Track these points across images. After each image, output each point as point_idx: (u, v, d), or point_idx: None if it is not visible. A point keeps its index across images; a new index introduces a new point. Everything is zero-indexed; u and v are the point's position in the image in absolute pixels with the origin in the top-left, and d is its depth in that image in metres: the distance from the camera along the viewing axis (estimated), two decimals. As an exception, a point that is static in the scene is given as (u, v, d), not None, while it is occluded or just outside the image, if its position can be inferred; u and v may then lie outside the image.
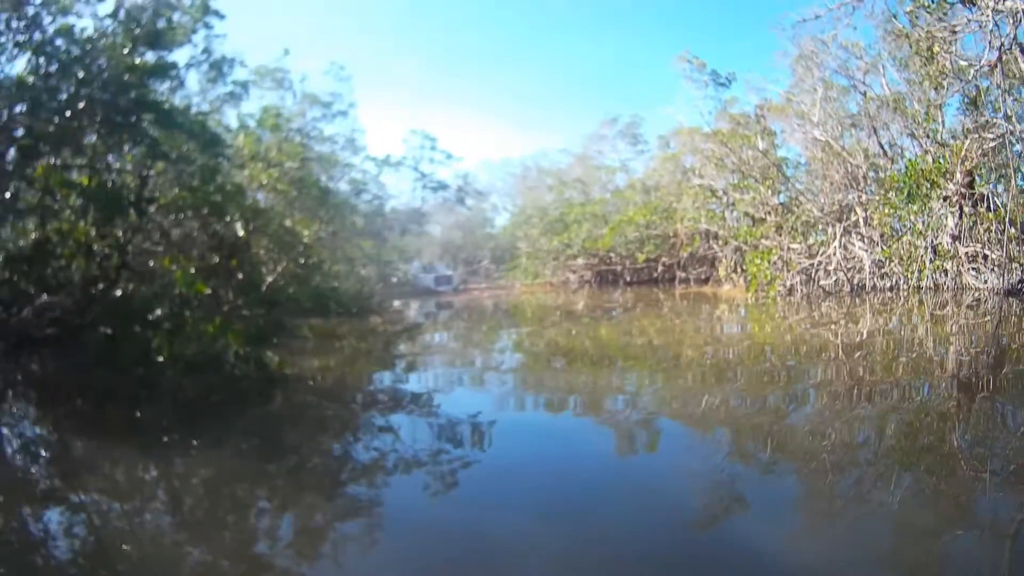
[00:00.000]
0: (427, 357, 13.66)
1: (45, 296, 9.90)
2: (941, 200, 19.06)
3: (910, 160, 20.70)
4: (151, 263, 14.68)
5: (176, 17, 14.74)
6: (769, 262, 21.58)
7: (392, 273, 39.85)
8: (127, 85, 12.00)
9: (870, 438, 6.43)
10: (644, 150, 42.01)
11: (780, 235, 22.98)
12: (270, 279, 21.99)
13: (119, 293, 10.42)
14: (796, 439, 6.46)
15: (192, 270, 10.61)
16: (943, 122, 20.91)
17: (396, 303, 30.71)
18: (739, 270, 25.76)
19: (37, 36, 12.00)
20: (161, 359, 9.09)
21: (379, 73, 70.63)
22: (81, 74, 11.76)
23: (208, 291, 10.41)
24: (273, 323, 11.92)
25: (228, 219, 16.92)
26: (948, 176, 18.92)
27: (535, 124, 76.22)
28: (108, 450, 6.74)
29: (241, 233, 17.79)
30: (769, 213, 25.05)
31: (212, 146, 15.01)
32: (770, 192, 25.13)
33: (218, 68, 17.43)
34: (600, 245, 34.86)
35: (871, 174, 22.63)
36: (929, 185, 19.16)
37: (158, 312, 10.00)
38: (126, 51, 12.74)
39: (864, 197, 22.18)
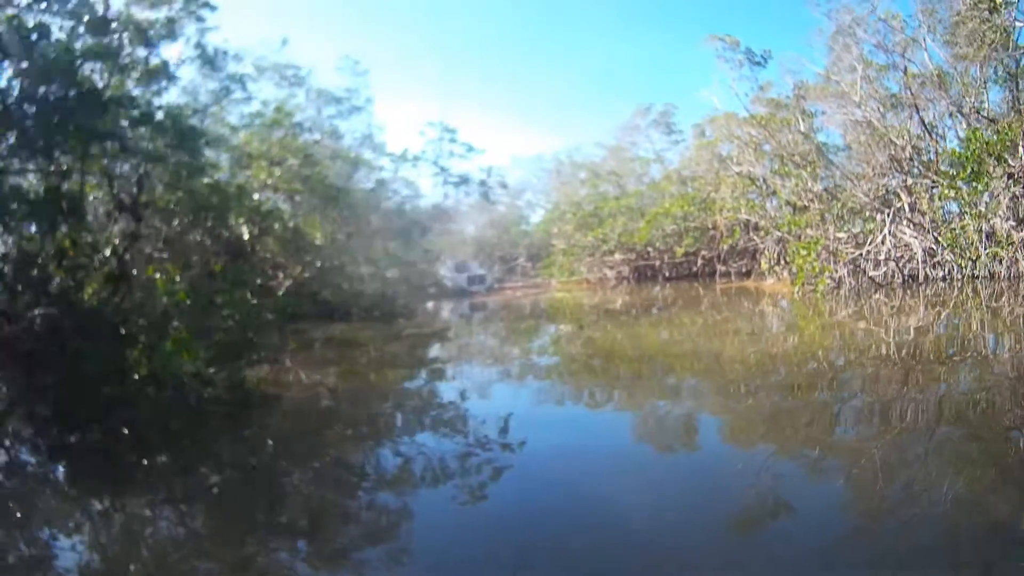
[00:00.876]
0: (442, 371, 12.94)
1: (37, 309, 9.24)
2: (1005, 178, 17.74)
3: (972, 130, 19.30)
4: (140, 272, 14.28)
5: (164, 12, 14.12)
6: (815, 253, 20.37)
7: (421, 274, 39.30)
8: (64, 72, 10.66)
9: (932, 460, 5.55)
10: (679, 140, 40.72)
11: (824, 224, 21.79)
12: (288, 283, 21.61)
13: (95, 303, 9.66)
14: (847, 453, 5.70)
15: (177, 277, 9.63)
16: (987, 98, 19.71)
17: (428, 305, 30.20)
18: (782, 262, 24.57)
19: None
20: (138, 376, 8.22)
21: (404, 72, 69.85)
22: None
23: (189, 300, 9.38)
24: (264, 332, 10.97)
25: (232, 222, 16.40)
26: (1012, 151, 17.66)
27: (568, 120, 74.71)
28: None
29: (247, 236, 17.24)
30: (812, 201, 23.81)
31: (188, 141, 14.00)
32: (811, 178, 23.87)
33: (210, 62, 16.61)
34: (636, 239, 33.84)
35: (915, 156, 21.37)
36: (995, 161, 17.82)
37: (141, 323, 9.09)
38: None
39: (910, 181, 20.92)
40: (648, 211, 33.90)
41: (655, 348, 13.52)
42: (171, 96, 15.57)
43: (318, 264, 21.50)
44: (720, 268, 31.93)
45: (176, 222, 16.09)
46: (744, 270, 30.87)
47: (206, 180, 16.27)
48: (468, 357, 14.82)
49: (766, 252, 26.20)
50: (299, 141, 21.18)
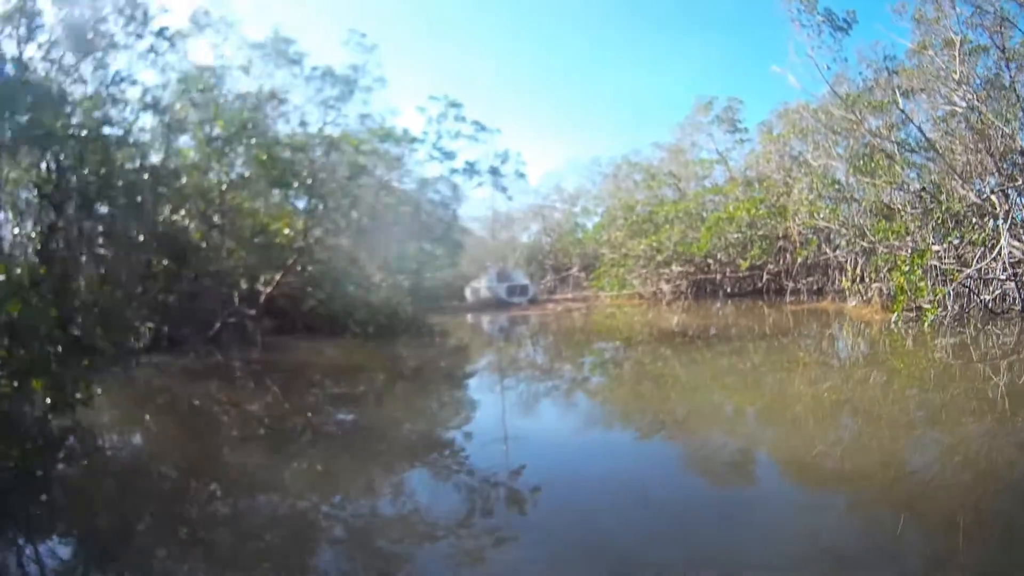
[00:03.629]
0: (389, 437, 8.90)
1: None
2: None
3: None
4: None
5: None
6: (921, 269, 15.94)
7: (446, 284, 36.13)
8: None
9: None
10: (744, 139, 36.40)
11: (923, 233, 17.50)
12: (269, 290, 18.55)
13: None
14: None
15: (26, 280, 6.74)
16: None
17: (454, 318, 27.12)
18: (865, 280, 20.19)
19: None
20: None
21: (451, 75, 66.75)
22: None
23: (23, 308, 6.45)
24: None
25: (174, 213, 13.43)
26: None
27: (627, 122, 70.10)
28: None
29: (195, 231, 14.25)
30: (904, 205, 19.49)
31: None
32: (906, 176, 19.54)
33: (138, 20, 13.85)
34: (695, 249, 29.71)
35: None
36: None
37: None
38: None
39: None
40: (709, 217, 29.84)
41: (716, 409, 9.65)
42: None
43: (301, 269, 18.45)
44: (788, 284, 27.63)
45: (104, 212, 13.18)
46: (815, 287, 26.47)
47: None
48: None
49: (847, 267, 21.60)
50: (246, 113, 17.74)
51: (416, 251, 23.84)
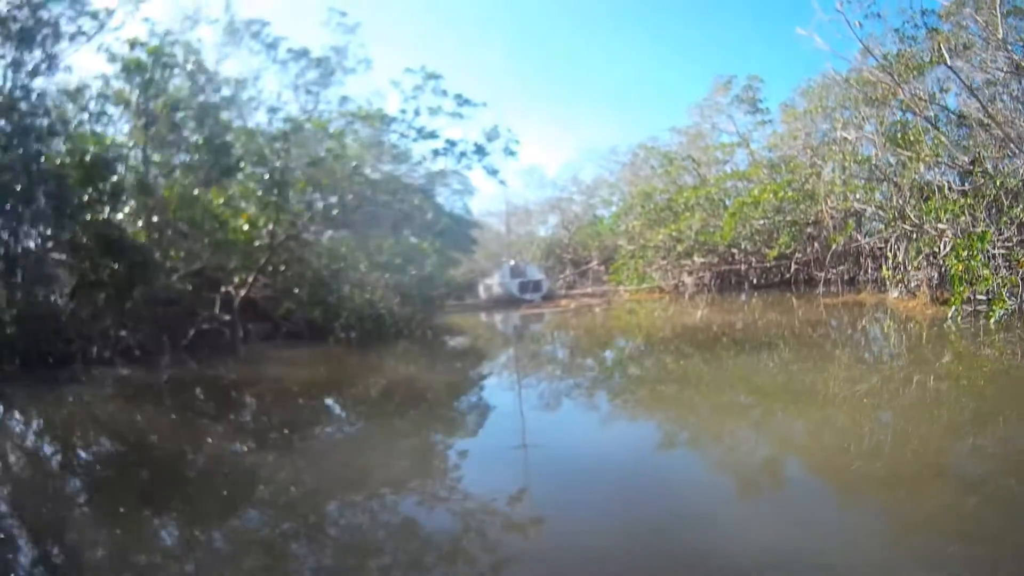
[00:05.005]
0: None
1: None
2: None
3: None
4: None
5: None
6: (983, 256, 13.57)
7: (462, 280, 34.37)
8: None
9: None
10: (766, 120, 34.04)
11: (976, 212, 15.25)
12: (244, 293, 16.86)
13: None
14: None
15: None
16: None
17: (462, 317, 25.36)
18: (906, 268, 17.88)
19: None
20: None
21: (460, 68, 64.68)
22: None
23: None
24: None
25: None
26: None
27: (645, 112, 67.24)
28: None
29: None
30: (951, 182, 17.29)
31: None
32: (954, 148, 17.30)
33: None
34: (718, 238, 27.57)
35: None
36: None
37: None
38: None
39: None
40: (733, 202, 27.68)
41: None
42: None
43: (273, 268, 16.75)
44: (818, 274, 25.36)
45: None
46: (846, 277, 24.21)
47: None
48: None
49: (888, 254, 19.16)
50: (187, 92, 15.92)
51: (421, 247, 22.07)
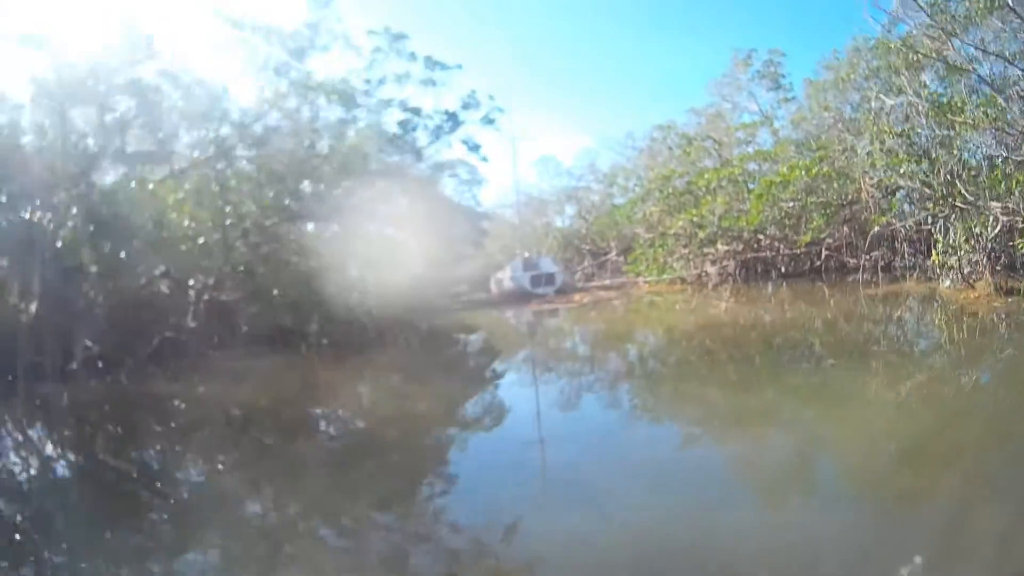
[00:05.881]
0: None
1: None
2: None
3: None
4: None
5: None
6: None
7: (473, 275, 32.61)
8: None
9: None
10: (790, 96, 31.74)
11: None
12: (207, 297, 15.08)
13: None
14: None
15: None
16: None
17: (464, 315, 23.65)
18: (960, 253, 15.53)
19: None
20: None
21: (474, 55, 62.22)
22: None
23: None
24: None
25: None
26: None
27: (662, 96, 64.39)
28: None
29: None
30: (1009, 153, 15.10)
31: None
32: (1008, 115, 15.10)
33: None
34: (744, 222, 25.37)
35: None
36: None
37: None
38: None
39: None
40: (759, 182, 25.49)
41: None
42: None
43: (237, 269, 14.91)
44: (851, 261, 23.12)
45: None
46: (881, 263, 21.80)
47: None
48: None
49: (937, 236, 16.67)
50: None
51: (422, 243, 19.98)
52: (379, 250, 17.31)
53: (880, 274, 20.77)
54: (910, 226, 19.83)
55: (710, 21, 58.88)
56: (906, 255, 20.37)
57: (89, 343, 13.38)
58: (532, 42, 65.07)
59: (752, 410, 7.83)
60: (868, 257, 21.74)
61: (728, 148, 31.80)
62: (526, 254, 36.16)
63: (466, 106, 18.53)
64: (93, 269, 13.25)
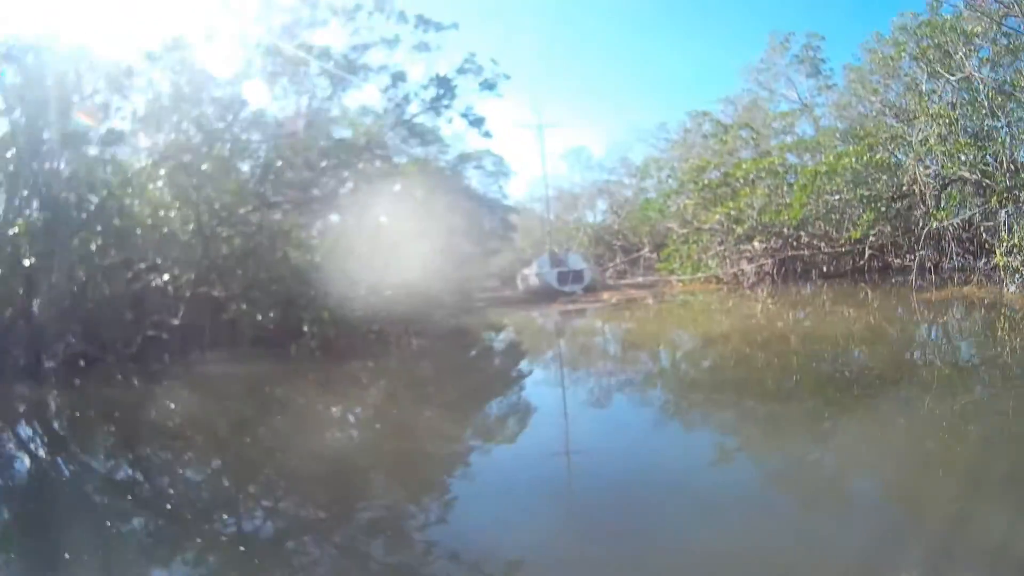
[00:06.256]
0: None
1: None
2: None
3: None
4: None
5: None
6: None
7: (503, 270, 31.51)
8: None
9: None
10: (830, 83, 29.87)
11: None
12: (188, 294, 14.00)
13: None
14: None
15: None
16: None
17: (487, 313, 22.82)
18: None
19: None
20: None
21: (504, 47, 60.68)
22: None
23: None
24: None
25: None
26: None
27: (695, 86, 62.00)
28: None
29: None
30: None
31: None
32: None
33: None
34: (786, 216, 23.68)
35: None
36: None
37: None
38: None
39: None
40: (803, 172, 23.76)
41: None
42: None
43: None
44: (895, 261, 21.38)
45: None
46: (929, 264, 19.32)
47: None
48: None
49: (1003, 235, 14.69)
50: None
51: (441, 237, 18.63)
52: (387, 244, 15.93)
53: (927, 276, 18.88)
54: (958, 224, 18.10)
55: (744, 8, 56.84)
56: (954, 255, 18.64)
57: (73, 340, 12.86)
58: (563, 34, 63.78)
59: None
60: (913, 257, 19.95)
61: (765, 139, 30.08)
62: (555, 250, 34.78)
63: (462, 71, 16.59)
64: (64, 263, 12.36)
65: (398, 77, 16.28)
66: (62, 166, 13.14)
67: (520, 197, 45.78)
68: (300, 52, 15.82)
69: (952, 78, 16.95)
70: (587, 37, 65.30)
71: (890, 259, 22.01)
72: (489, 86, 16.81)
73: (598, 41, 65.30)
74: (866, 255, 22.60)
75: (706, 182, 27.30)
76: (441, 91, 16.37)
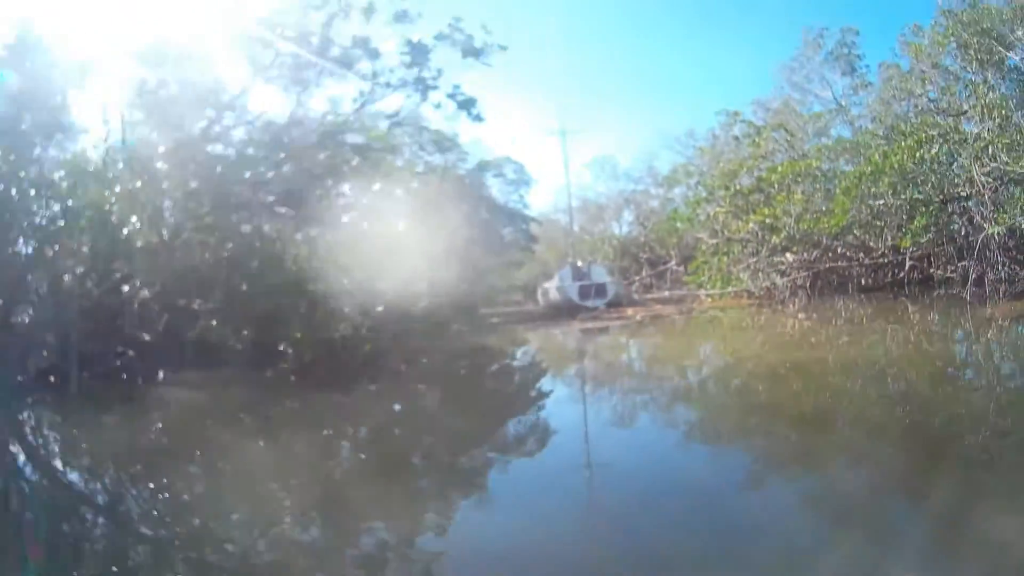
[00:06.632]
0: None
1: None
2: None
3: None
4: None
5: None
6: None
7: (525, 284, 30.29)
8: None
9: None
10: (866, 81, 27.90)
11: None
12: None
13: None
14: None
15: None
16: None
17: (501, 329, 21.40)
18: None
19: None
20: None
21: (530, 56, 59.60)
22: None
23: None
24: None
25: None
26: None
27: (723, 91, 60.17)
28: None
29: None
30: None
31: None
32: None
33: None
34: (827, 224, 21.76)
35: None
36: None
37: None
38: None
39: None
40: (846, 174, 21.89)
41: None
42: None
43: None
44: (937, 272, 19.61)
45: None
46: (968, 276, 17.53)
47: None
48: None
49: None
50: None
51: (454, 249, 17.03)
52: (387, 255, 14.24)
53: (973, 289, 16.82)
54: (1003, 231, 16.20)
55: (775, 14, 54.84)
56: (1000, 266, 16.70)
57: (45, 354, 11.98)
58: (589, 43, 62.43)
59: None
60: (955, 268, 18.01)
61: (800, 142, 28.17)
62: (579, 262, 33.16)
63: (441, 37, 14.50)
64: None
65: (361, 44, 14.12)
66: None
67: (544, 207, 44.70)
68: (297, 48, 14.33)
69: (1008, 60, 15.06)
70: (614, 44, 63.95)
71: (931, 270, 20.08)
72: (474, 53, 14.67)
73: (625, 48, 63.92)
74: (906, 266, 20.63)
75: (738, 188, 25.47)
76: (416, 59, 14.31)
